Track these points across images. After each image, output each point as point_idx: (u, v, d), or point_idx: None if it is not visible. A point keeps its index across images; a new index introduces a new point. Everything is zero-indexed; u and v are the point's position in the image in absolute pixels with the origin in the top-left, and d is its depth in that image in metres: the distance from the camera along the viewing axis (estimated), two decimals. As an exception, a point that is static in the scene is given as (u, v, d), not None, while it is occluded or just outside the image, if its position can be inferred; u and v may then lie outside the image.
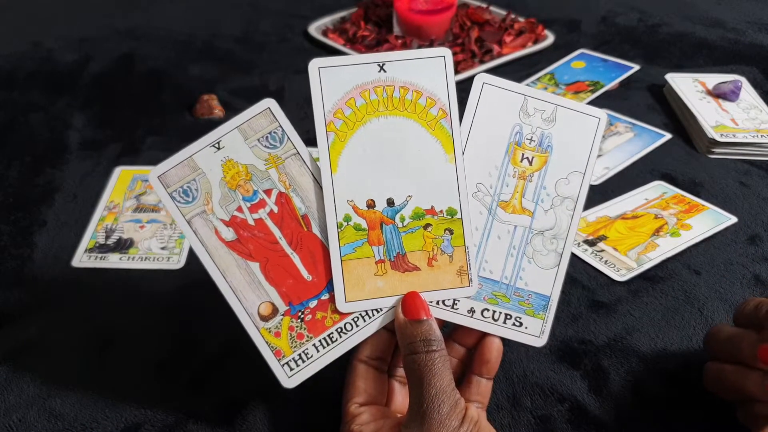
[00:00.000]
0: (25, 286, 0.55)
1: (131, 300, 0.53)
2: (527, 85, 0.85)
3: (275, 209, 0.39)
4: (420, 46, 0.92)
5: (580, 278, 0.56)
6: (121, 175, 0.68)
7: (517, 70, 0.89)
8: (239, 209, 0.39)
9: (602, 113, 0.42)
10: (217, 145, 0.39)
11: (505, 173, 0.41)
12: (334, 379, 0.40)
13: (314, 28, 1.00)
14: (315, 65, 0.39)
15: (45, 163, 0.71)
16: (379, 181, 0.39)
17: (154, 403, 0.45)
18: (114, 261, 0.57)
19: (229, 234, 0.39)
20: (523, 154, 0.41)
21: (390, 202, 0.40)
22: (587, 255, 0.58)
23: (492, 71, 0.88)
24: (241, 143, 0.39)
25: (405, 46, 0.92)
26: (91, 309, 0.52)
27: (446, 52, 0.40)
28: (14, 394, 0.45)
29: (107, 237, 0.60)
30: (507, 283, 0.40)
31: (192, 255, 0.57)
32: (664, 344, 0.49)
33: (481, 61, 0.90)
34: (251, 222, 0.39)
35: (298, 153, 0.39)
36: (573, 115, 0.41)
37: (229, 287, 0.38)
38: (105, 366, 0.48)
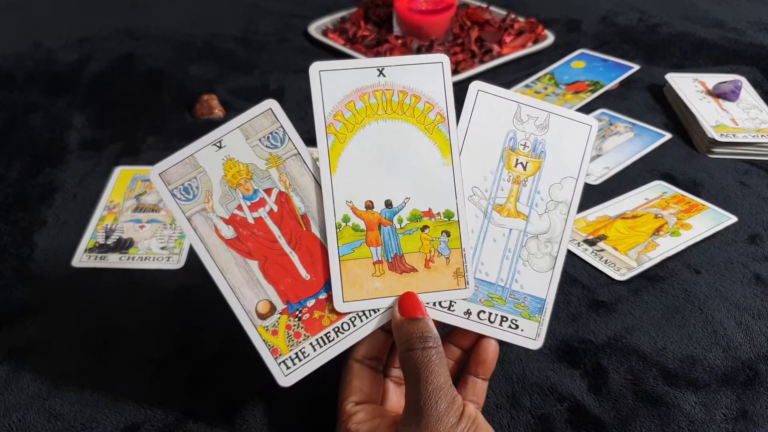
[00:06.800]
0: (25, 286, 0.55)
1: (131, 300, 0.53)
2: (527, 84, 0.86)
3: (275, 208, 0.39)
4: (420, 46, 0.92)
5: (580, 278, 0.56)
6: (121, 175, 0.68)
7: (517, 70, 0.89)
8: (239, 207, 0.39)
9: (594, 121, 0.42)
10: (218, 144, 0.39)
11: (500, 177, 0.41)
12: (333, 378, 0.40)
13: (314, 28, 1.00)
14: (316, 68, 0.40)
15: (45, 163, 0.71)
16: (377, 182, 0.40)
17: (154, 403, 0.45)
18: (114, 261, 0.57)
19: (228, 232, 0.39)
20: (517, 159, 0.41)
21: (388, 204, 0.40)
22: (587, 254, 0.58)
23: (492, 71, 0.89)
24: (243, 143, 0.39)
25: (405, 46, 0.92)
26: (91, 309, 0.52)
27: (444, 58, 0.40)
28: (14, 394, 0.46)
29: (107, 237, 0.60)
30: (503, 286, 0.40)
31: (192, 255, 0.57)
32: (664, 344, 0.49)
33: (481, 61, 0.90)
34: (251, 220, 0.39)
35: (299, 153, 0.40)
36: (565, 122, 0.42)
37: (227, 285, 0.38)
38: (105, 366, 0.48)
